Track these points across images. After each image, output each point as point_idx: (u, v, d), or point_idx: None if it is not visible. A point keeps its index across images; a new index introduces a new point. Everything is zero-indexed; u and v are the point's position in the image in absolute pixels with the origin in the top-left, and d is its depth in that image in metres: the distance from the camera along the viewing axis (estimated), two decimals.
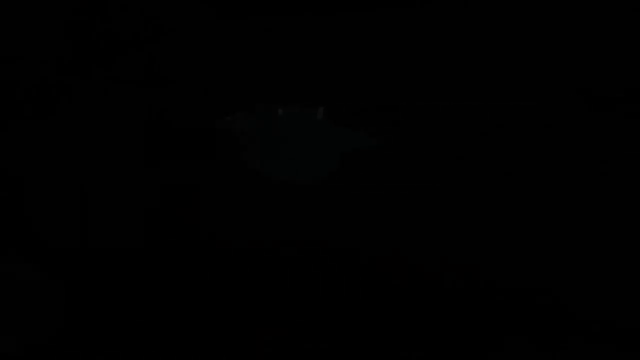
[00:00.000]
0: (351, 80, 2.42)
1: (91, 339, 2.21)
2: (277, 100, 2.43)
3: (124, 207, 2.33)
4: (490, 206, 2.29)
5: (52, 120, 2.41)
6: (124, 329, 2.22)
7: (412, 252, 2.27)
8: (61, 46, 2.43)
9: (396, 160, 2.35)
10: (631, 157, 2.30)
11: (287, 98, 2.43)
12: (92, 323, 2.22)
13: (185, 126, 2.42)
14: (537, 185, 2.30)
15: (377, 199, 2.32)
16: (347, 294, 2.24)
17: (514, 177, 2.31)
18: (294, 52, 2.44)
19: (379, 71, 2.43)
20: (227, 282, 2.27)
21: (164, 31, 2.45)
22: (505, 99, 2.38)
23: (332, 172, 2.36)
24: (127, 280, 2.27)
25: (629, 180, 2.28)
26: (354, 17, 2.44)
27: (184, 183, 2.38)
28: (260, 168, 2.38)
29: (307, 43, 2.44)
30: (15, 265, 2.26)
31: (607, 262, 2.21)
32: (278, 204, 2.34)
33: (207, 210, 2.35)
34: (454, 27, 2.43)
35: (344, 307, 2.22)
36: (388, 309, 2.21)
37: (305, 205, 2.33)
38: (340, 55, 2.43)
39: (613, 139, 2.32)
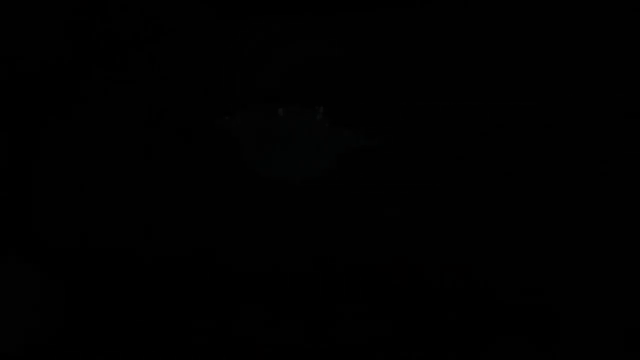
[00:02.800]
0: (351, 80, 2.42)
1: (91, 339, 2.21)
2: (277, 99, 2.43)
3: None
4: (490, 206, 2.29)
5: (52, 120, 2.41)
6: (124, 329, 2.22)
7: (412, 252, 2.27)
8: (61, 46, 2.43)
9: (396, 160, 2.35)
10: (631, 157, 2.30)
11: (287, 98, 2.43)
12: (92, 323, 2.22)
13: (185, 126, 2.42)
14: (537, 185, 2.30)
15: (377, 199, 2.32)
16: (347, 294, 2.24)
17: (514, 177, 2.31)
18: (294, 52, 2.44)
19: (379, 71, 2.43)
20: (226, 282, 2.27)
21: (164, 31, 2.45)
22: (505, 99, 2.38)
23: (332, 172, 2.36)
24: (127, 280, 2.27)
25: (629, 180, 2.28)
26: (354, 17, 2.44)
27: (183, 184, 2.38)
28: (260, 168, 2.38)
29: (307, 43, 2.44)
30: (15, 265, 2.26)
31: (609, 262, 2.21)
32: (277, 203, 2.34)
33: (206, 211, 2.35)
34: (454, 27, 2.43)
35: (344, 306, 2.22)
36: (388, 309, 2.21)
37: (305, 205, 2.33)
38: (340, 55, 2.43)
39: (613, 139, 2.32)
